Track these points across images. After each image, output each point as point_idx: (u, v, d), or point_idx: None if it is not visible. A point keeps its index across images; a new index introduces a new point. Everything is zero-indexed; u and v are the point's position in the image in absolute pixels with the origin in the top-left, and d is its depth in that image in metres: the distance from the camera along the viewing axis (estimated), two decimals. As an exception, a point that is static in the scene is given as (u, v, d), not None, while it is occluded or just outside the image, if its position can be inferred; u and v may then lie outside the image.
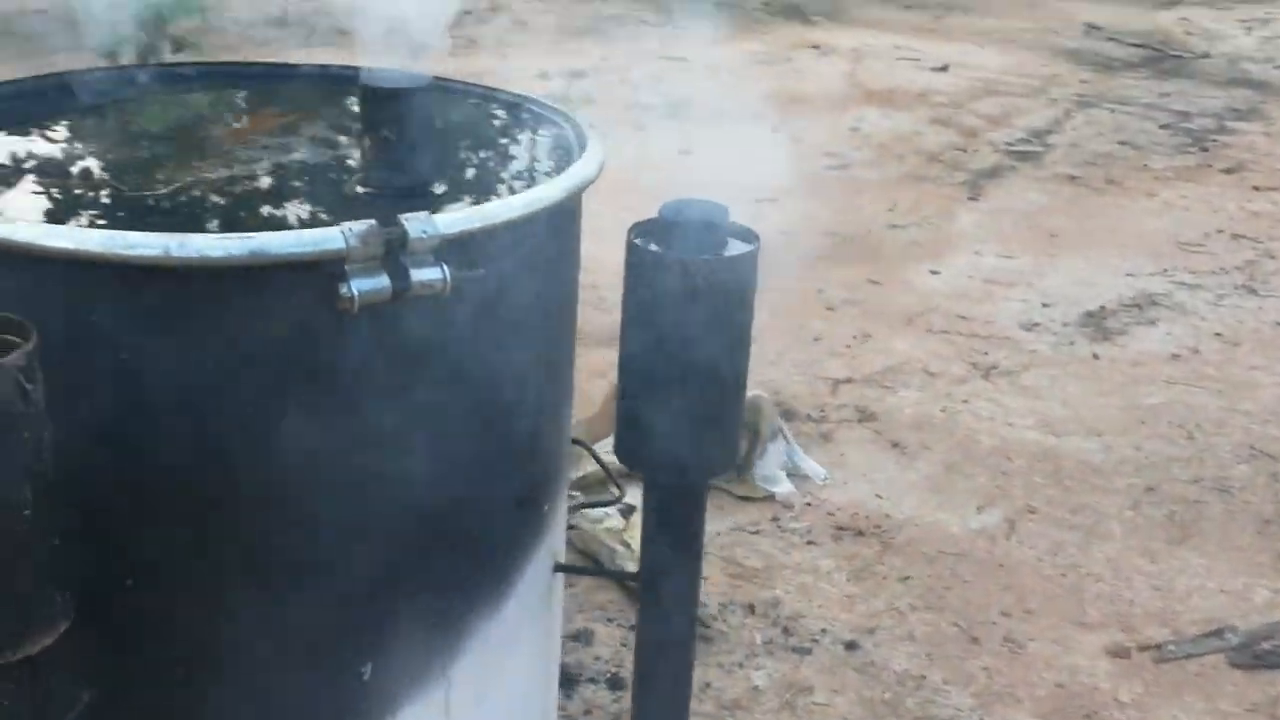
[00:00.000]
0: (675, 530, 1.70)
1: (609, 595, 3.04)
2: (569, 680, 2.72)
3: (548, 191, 1.46)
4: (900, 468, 3.70)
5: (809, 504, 3.49)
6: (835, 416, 3.99)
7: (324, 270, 1.27)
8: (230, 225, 1.33)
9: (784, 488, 3.53)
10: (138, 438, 1.33)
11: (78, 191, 1.48)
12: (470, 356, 1.43)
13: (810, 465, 3.66)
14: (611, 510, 3.35)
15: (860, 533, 3.36)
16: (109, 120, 1.71)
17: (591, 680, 2.73)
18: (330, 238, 1.27)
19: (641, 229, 1.56)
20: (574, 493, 3.39)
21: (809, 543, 3.31)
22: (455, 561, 1.52)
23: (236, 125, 1.74)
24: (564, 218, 1.55)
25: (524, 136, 1.82)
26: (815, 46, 9.55)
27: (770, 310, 4.87)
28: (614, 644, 2.86)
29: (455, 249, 1.36)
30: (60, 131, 1.67)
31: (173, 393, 1.30)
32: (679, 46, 9.78)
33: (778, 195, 6.35)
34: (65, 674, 1.50)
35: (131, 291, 1.27)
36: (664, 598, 1.74)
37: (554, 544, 1.76)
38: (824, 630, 2.95)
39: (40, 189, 1.48)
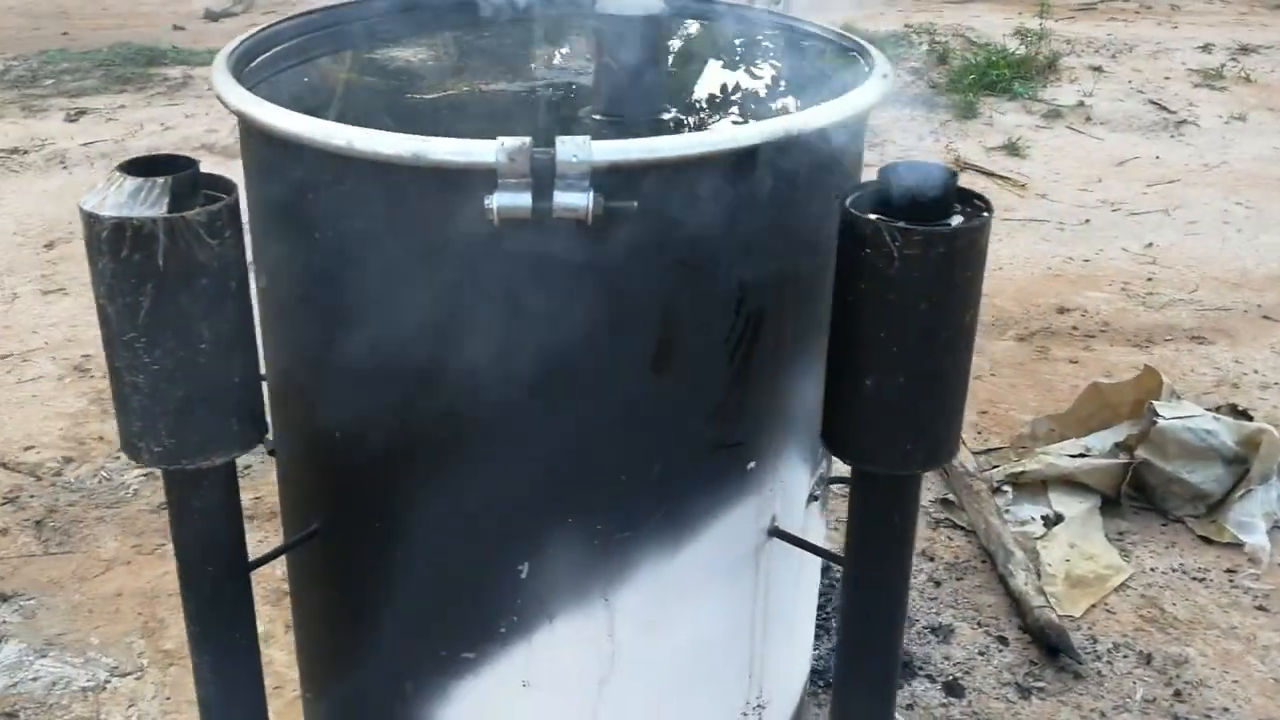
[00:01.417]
0: (877, 523, 1.56)
1: (991, 599, 2.82)
2: (907, 670, 2.59)
3: (742, 133, 1.39)
4: None
5: (1281, 565, 2.95)
6: (1372, 475, 3.30)
7: (476, 180, 1.34)
8: (453, 132, 1.44)
9: (1257, 539, 3.01)
10: (332, 309, 1.50)
11: (374, 88, 1.67)
12: (633, 289, 1.43)
13: (1306, 522, 3.08)
14: (1036, 516, 3.10)
15: (1331, 614, 2.79)
16: (465, 33, 1.90)
17: (929, 678, 2.57)
18: (482, 150, 1.33)
19: (859, 195, 1.43)
20: (1005, 488, 3.18)
21: (1259, 608, 2.81)
22: (616, 486, 1.53)
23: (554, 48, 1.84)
24: (787, 161, 1.46)
25: (818, 73, 1.73)
26: None
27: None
28: (972, 649, 2.66)
29: (625, 178, 1.36)
30: (406, 40, 1.88)
31: (358, 269, 1.46)
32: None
33: None
34: (300, 507, 1.75)
35: (334, 176, 1.43)
36: (864, 592, 1.61)
37: (769, 507, 1.69)
38: (1225, 709, 2.51)
39: (342, 85, 1.70)
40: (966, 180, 5.80)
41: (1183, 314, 4.31)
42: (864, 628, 1.64)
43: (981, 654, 2.65)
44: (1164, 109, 6.58)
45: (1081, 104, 6.61)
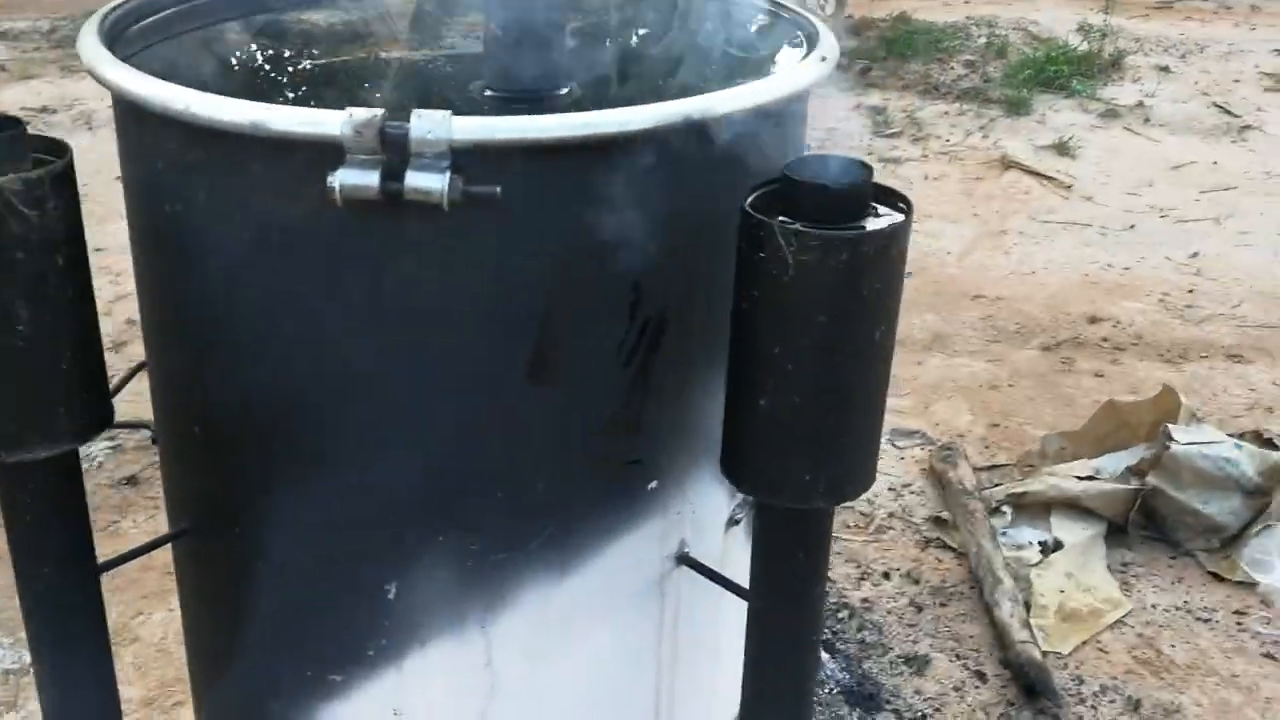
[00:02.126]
0: (780, 560, 1.39)
1: (974, 629, 2.63)
2: (872, 703, 2.42)
3: (631, 116, 1.23)
4: None
5: (1298, 610, 2.73)
6: None
7: (322, 155, 1.19)
8: (329, 101, 1.30)
9: (1273, 579, 2.79)
10: (181, 294, 1.37)
11: (266, 53, 1.53)
12: (504, 287, 1.27)
13: (1329, 564, 2.85)
14: (1035, 541, 2.90)
15: (1346, 667, 2.56)
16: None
17: (896, 713, 2.39)
18: (327, 122, 1.18)
19: (764, 195, 1.26)
20: (1005, 509, 2.98)
21: (1267, 655, 2.59)
22: (492, 503, 1.38)
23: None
24: (691, 149, 1.30)
25: (762, 54, 1.55)
26: None
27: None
28: (947, 684, 2.48)
29: (492, 161, 1.20)
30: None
31: (202, 250, 1.32)
32: None
33: None
34: (173, 506, 1.62)
35: (179, 145, 1.29)
36: (769, 632, 1.44)
37: (676, 531, 1.53)
38: (1216, 766, 2.30)
39: (241, 56, 1.57)
40: (1010, 180, 5.49)
41: (1222, 330, 4.05)
42: (769, 671, 1.48)
43: (956, 690, 2.46)
44: (1228, 113, 6.25)
45: (1141, 104, 6.31)
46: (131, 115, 1.35)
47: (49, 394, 1.30)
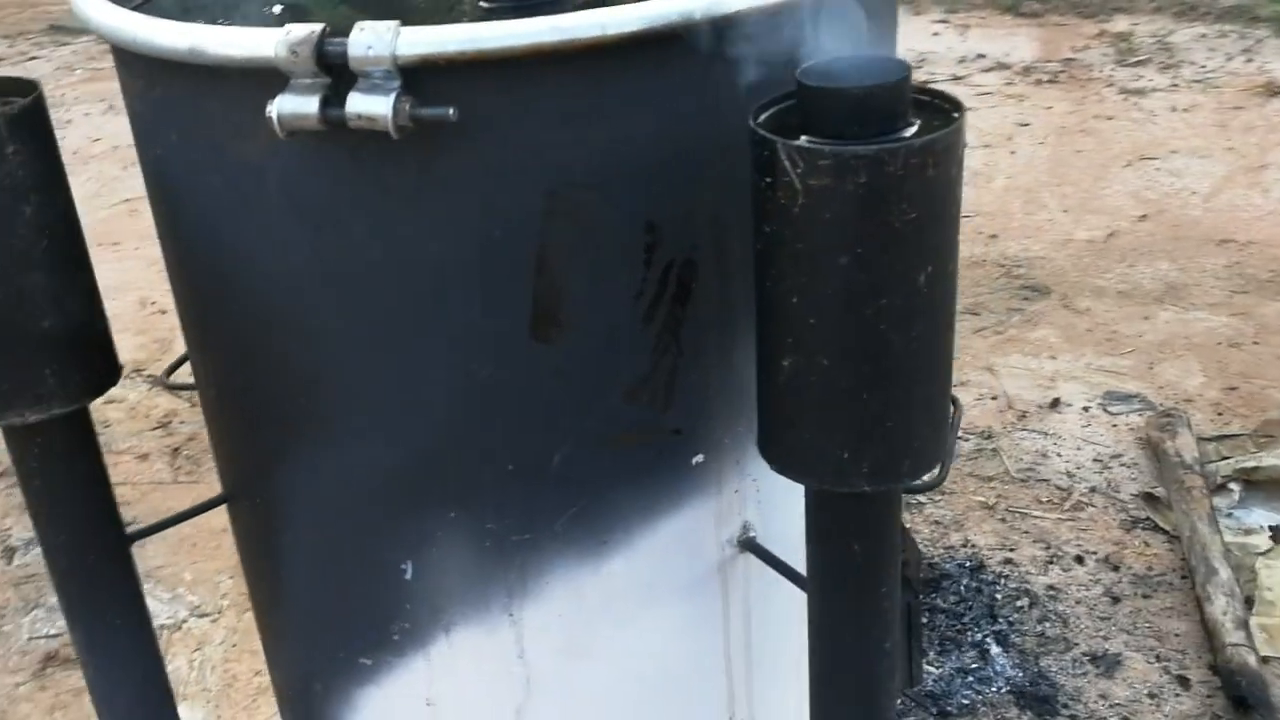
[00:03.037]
0: (833, 552, 1.15)
1: (1181, 626, 2.27)
2: (1046, 706, 2.12)
3: (610, 18, 1.02)
4: None
5: None
6: None
7: (267, 81, 1.04)
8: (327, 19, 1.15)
9: None
10: (172, 246, 1.28)
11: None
12: (487, 229, 1.10)
13: None
14: (1266, 525, 2.50)
15: None
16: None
17: (1073, 718, 2.09)
18: (259, 43, 1.03)
19: (780, 110, 1.01)
20: (1232, 486, 2.58)
21: None
22: (503, 476, 1.21)
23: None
24: (706, 57, 1.08)
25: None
26: None
27: None
28: (1140, 689, 2.14)
29: (453, 78, 1.03)
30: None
31: (177, 196, 1.21)
32: None
33: None
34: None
35: (146, 81, 1.18)
36: (829, 629, 1.21)
37: (734, 513, 1.32)
38: None
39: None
40: (1276, 109, 4.84)
41: None
42: (832, 674, 1.25)
43: (1151, 697, 2.13)
44: None
45: None
46: (115, 54, 1.25)
47: (30, 355, 1.22)
